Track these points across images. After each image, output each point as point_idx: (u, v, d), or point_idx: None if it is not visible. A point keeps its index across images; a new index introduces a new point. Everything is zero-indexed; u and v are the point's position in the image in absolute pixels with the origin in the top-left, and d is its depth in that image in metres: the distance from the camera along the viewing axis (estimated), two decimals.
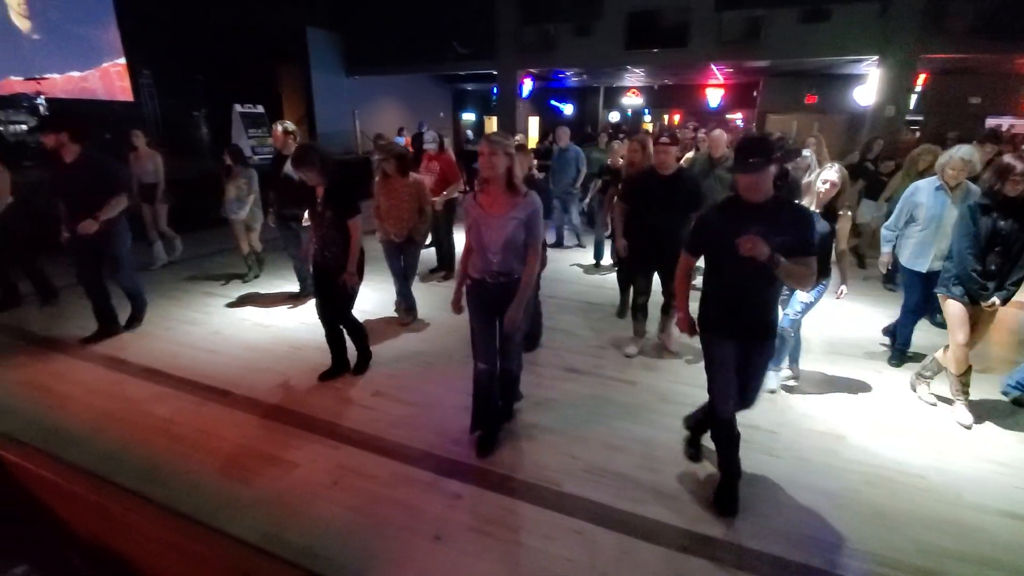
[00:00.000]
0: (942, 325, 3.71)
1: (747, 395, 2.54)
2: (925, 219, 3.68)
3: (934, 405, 3.44)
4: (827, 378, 3.78)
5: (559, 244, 7.48)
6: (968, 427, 3.19)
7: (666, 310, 4.13)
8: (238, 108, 11.24)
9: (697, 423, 2.85)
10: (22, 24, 9.39)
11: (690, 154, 6.64)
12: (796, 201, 3.26)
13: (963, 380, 3.28)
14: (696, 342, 2.58)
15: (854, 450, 2.97)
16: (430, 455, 2.86)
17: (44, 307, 4.96)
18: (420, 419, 3.21)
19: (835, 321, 4.75)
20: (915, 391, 3.57)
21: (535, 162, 5.01)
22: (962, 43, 9.30)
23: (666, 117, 20.37)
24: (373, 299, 5.18)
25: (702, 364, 2.57)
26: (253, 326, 4.63)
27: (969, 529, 2.41)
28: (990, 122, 12.91)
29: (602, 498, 2.54)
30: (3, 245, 4.71)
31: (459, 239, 4.20)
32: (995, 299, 3.03)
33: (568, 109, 20.21)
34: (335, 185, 3.34)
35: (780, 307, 3.50)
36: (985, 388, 3.56)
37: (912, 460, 2.89)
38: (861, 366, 3.99)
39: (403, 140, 13.70)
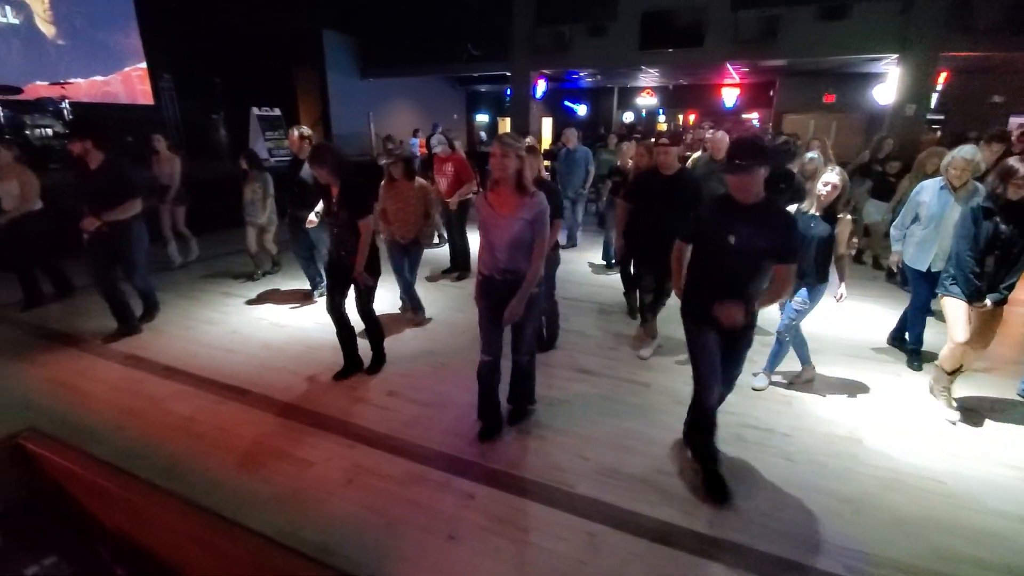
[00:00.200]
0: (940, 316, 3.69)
1: (727, 383, 2.68)
2: (926, 218, 3.69)
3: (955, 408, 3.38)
4: (844, 380, 3.73)
5: (572, 244, 7.49)
6: (955, 422, 3.22)
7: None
8: (255, 111, 11.40)
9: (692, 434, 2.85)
10: (47, 30, 9.65)
11: (698, 154, 6.61)
12: (797, 205, 3.30)
13: (951, 378, 3.30)
14: None
15: (872, 454, 2.93)
16: (443, 455, 2.88)
17: (59, 301, 5.12)
18: (433, 419, 3.24)
19: (851, 323, 4.69)
20: (933, 394, 3.52)
21: (546, 163, 5.05)
22: (986, 40, 9.11)
23: (681, 117, 20.22)
24: (384, 298, 5.21)
25: None
26: (270, 326, 4.70)
27: (990, 535, 2.36)
28: (1013, 121, 12.60)
29: (614, 500, 2.54)
30: (29, 246, 4.86)
31: (473, 239, 4.23)
32: (987, 301, 3.02)
33: (582, 110, 20.17)
34: (349, 186, 3.39)
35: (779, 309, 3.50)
36: (1001, 389, 3.50)
37: (931, 465, 2.84)
38: (878, 368, 3.94)
39: (417, 142, 13.78)
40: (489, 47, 12.90)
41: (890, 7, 9.48)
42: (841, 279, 3.34)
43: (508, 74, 13.28)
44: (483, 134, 19.21)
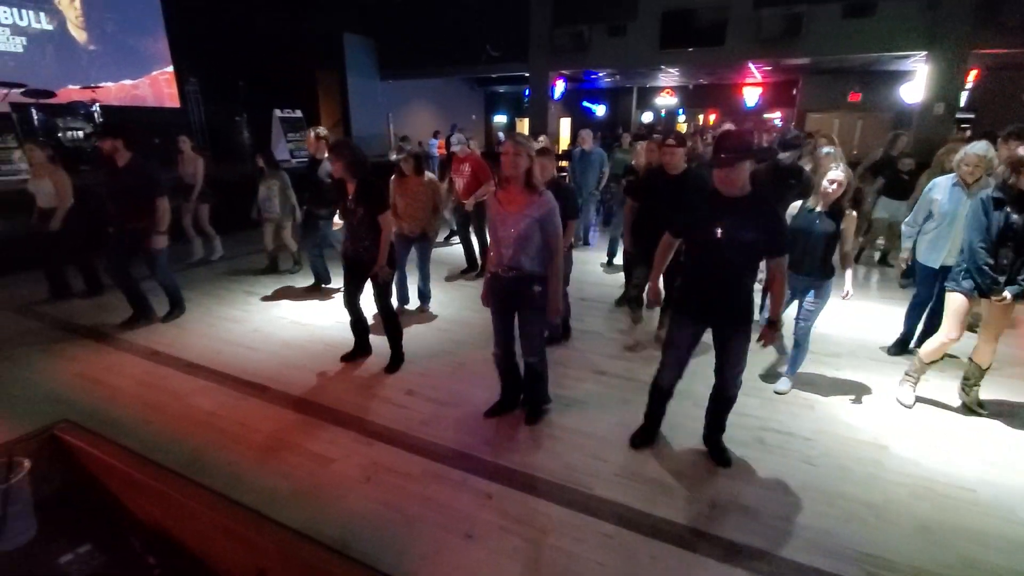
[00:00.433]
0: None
1: (723, 380, 2.67)
2: (939, 214, 3.64)
3: (981, 413, 3.29)
4: (868, 385, 3.66)
5: (586, 243, 7.52)
6: (910, 407, 3.32)
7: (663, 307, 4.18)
8: (278, 113, 11.61)
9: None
10: (79, 36, 9.93)
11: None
12: (803, 201, 3.33)
13: (924, 368, 3.35)
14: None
15: (898, 460, 2.87)
16: (461, 454, 2.90)
17: (88, 298, 5.30)
18: (451, 418, 3.26)
19: (876, 327, 4.59)
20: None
21: (562, 164, 5.09)
22: (1018, 37, 8.84)
23: (701, 117, 20.01)
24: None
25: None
26: (290, 324, 4.77)
27: (1022, 546, 2.29)
28: None
29: (632, 502, 2.53)
30: (62, 243, 5.02)
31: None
32: (1007, 293, 2.96)
33: (600, 110, 20.09)
34: (365, 183, 3.46)
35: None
36: (1020, 392, 3.42)
37: (961, 473, 2.77)
38: (902, 372, 3.83)
39: (436, 143, 13.86)
40: (508, 48, 12.93)
41: (916, 3, 9.26)
42: (844, 267, 3.30)
43: (526, 75, 13.29)
44: (501, 135, 19.24)
